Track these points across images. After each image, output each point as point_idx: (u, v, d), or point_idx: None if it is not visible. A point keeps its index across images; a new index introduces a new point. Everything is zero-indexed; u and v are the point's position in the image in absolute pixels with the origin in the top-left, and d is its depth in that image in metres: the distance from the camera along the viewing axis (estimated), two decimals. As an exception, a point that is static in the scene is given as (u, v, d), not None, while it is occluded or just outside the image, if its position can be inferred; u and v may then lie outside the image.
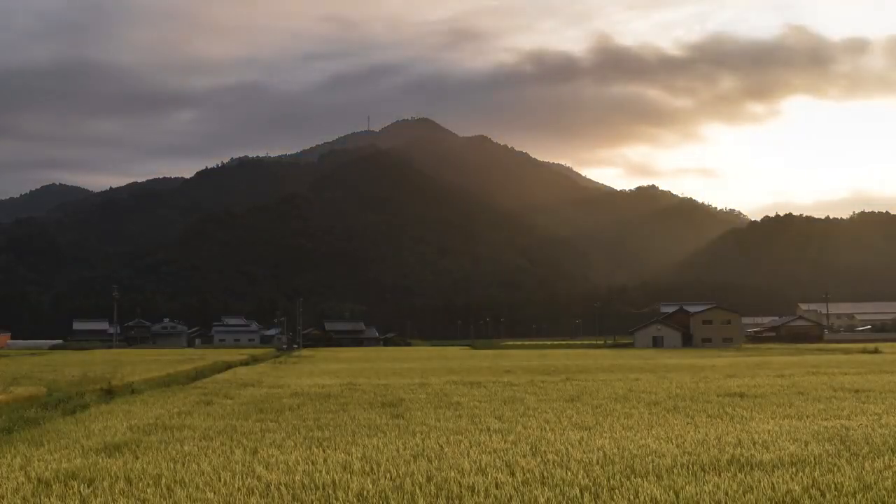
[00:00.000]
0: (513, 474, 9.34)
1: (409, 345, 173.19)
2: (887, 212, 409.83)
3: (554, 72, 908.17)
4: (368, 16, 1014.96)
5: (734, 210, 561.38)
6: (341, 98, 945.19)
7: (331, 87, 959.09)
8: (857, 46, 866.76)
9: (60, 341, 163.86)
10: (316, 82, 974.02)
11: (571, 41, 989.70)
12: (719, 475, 9.13)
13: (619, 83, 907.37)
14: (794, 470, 9.36)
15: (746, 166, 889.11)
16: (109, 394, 26.48)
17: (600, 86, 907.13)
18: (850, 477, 8.90)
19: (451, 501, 8.19)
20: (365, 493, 8.52)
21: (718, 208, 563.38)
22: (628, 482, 8.79)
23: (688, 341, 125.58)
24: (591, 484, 8.72)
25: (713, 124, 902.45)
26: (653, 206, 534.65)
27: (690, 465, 9.77)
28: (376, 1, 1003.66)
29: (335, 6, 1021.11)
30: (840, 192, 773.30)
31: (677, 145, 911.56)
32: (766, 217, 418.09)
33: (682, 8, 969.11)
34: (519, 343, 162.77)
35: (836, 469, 9.43)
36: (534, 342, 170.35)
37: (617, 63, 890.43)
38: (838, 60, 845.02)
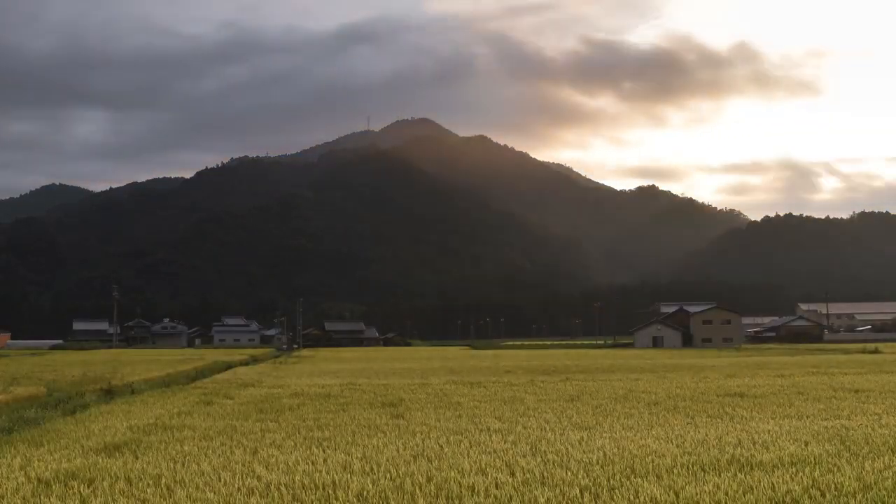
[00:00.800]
0: (513, 474, 9.33)
1: (409, 345, 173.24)
2: (887, 212, 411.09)
3: (452, 71, 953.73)
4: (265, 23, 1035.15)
5: (734, 210, 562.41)
6: (258, 100, 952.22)
7: (240, 90, 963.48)
8: (748, 54, 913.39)
9: (60, 341, 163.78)
10: (220, 86, 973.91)
11: (467, 43, 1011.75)
12: (719, 475, 9.13)
13: (525, 82, 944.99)
14: (794, 470, 9.36)
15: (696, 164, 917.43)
16: (109, 394, 26.49)
17: (506, 86, 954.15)
18: (850, 477, 8.90)
19: (451, 501, 8.18)
20: (365, 493, 8.52)
21: (718, 208, 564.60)
22: (628, 482, 8.79)
23: (688, 341, 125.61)
24: (591, 484, 8.71)
25: (639, 127, 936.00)
26: (653, 206, 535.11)
27: (690, 465, 9.76)
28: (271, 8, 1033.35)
29: (232, 12, 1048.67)
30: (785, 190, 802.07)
31: (612, 147, 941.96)
32: (766, 217, 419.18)
33: (555, 13, 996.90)
34: (519, 343, 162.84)
35: (836, 469, 9.42)
36: (534, 342, 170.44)
37: (519, 63, 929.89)
38: (733, 65, 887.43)
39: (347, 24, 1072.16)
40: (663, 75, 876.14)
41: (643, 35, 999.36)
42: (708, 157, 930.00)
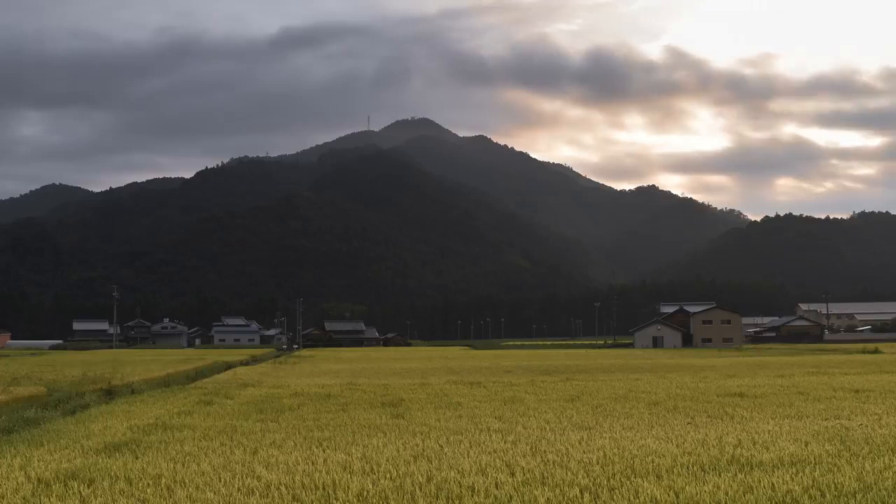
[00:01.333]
0: (513, 474, 9.34)
1: (409, 345, 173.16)
2: (887, 212, 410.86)
3: (392, 77, 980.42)
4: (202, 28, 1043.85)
5: (734, 210, 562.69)
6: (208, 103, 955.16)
7: (182, 94, 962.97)
8: (681, 58, 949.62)
9: (60, 341, 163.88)
10: (161, 90, 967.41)
11: (408, 45, 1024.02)
12: (719, 475, 9.13)
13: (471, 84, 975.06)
14: (794, 470, 9.36)
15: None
16: (109, 394, 26.52)
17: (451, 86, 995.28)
18: (850, 477, 8.90)
19: (451, 501, 8.19)
20: (365, 493, 8.52)
21: (718, 208, 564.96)
22: (628, 482, 8.80)
23: (688, 341, 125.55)
24: (591, 484, 8.72)
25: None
26: (653, 206, 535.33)
27: (690, 465, 9.77)
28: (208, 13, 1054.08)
29: (168, 18, 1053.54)
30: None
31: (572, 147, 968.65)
32: (766, 217, 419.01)
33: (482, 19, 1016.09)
34: (519, 343, 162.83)
35: (836, 469, 9.43)
36: (534, 342, 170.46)
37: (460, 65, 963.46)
38: (674, 69, 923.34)
39: (286, 29, 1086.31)
40: (605, 79, 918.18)
41: (577, 40, 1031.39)
42: (666, 158, 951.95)
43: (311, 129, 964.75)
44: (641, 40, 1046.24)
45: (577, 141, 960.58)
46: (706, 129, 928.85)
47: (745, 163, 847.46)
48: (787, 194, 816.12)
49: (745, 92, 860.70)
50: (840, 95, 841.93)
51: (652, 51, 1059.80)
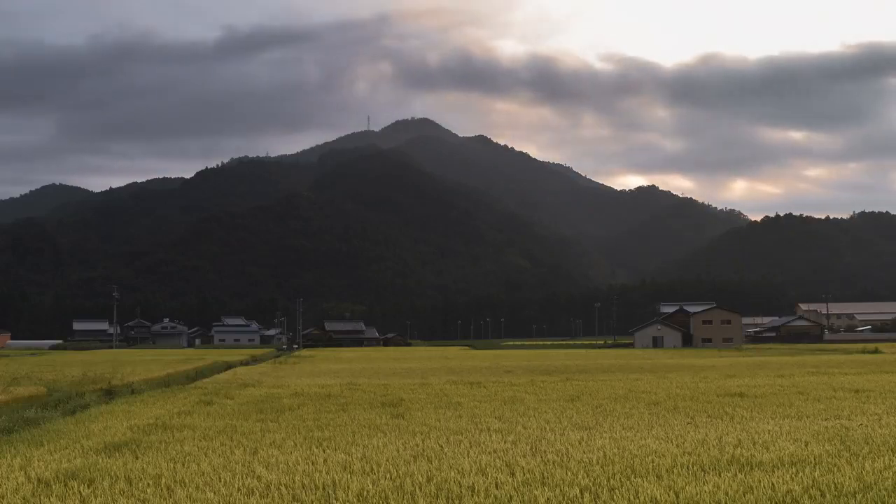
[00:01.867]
0: (513, 474, 9.34)
1: (409, 345, 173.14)
2: (888, 212, 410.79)
3: (335, 80, 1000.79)
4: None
5: (734, 210, 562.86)
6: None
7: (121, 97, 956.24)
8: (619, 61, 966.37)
9: (60, 341, 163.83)
10: (98, 94, 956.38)
11: (351, 48, 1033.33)
12: (719, 475, 9.13)
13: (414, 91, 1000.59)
14: (794, 470, 9.36)
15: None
16: (109, 394, 26.52)
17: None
18: (850, 477, 8.90)
19: (451, 501, 8.19)
20: (365, 493, 8.52)
21: (718, 208, 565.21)
22: (628, 482, 8.80)
23: (688, 341, 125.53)
24: (591, 484, 8.72)
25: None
26: (653, 206, 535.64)
27: (690, 465, 9.77)
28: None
29: (101, 26, 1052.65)
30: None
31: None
32: (766, 217, 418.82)
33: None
34: (519, 343, 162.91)
35: (836, 469, 9.43)
36: (534, 342, 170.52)
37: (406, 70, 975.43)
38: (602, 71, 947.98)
39: (224, 35, 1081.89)
40: (549, 83, 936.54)
41: (516, 45, 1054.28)
42: (625, 159, 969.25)
43: (260, 131, 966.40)
44: (582, 46, 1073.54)
45: (534, 140, 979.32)
46: (661, 130, 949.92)
47: (702, 162, 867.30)
48: (743, 194, 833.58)
49: (695, 92, 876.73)
50: (786, 93, 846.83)
51: (591, 56, 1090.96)
